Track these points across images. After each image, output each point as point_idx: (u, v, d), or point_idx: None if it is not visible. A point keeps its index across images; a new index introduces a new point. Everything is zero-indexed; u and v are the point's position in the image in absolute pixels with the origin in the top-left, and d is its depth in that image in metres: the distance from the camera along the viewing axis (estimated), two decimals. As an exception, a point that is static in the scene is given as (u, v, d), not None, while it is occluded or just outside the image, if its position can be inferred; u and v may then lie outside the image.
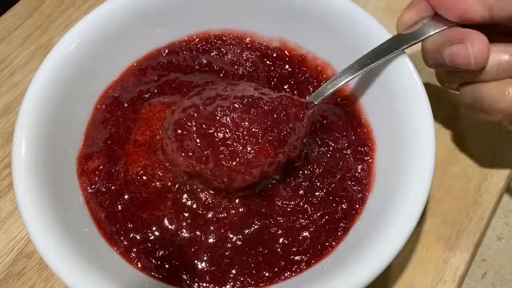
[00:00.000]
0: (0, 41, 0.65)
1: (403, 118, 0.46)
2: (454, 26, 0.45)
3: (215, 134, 0.44)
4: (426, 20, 0.46)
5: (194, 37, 0.56)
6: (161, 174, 0.48)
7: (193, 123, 0.44)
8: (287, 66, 0.55)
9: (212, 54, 0.55)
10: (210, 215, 0.46)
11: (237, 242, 0.45)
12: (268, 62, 0.55)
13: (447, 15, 0.44)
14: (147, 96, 0.52)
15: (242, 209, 0.46)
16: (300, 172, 0.48)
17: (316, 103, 0.48)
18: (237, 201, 0.47)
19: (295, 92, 0.54)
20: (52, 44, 0.49)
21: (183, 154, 0.44)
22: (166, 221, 0.46)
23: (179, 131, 0.44)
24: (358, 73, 0.47)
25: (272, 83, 0.54)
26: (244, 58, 0.55)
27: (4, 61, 0.64)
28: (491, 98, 0.44)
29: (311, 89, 0.54)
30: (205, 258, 0.45)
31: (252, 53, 0.55)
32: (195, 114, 0.44)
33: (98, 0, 0.69)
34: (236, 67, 0.54)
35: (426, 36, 0.46)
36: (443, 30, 0.45)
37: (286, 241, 0.45)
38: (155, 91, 0.53)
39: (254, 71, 0.54)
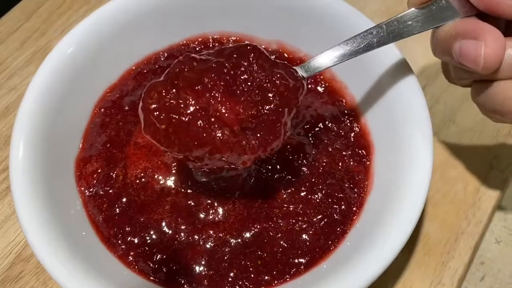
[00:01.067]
0: (-2, 44, 0.65)
1: (400, 121, 0.46)
2: (473, 16, 0.40)
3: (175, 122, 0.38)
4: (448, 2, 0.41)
5: (193, 41, 0.56)
6: (161, 177, 0.48)
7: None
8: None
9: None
10: (209, 219, 0.46)
11: (236, 246, 0.45)
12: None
13: (475, 1, 0.39)
14: None
15: (242, 213, 0.46)
16: (301, 173, 0.48)
17: (306, 76, 0.43)
18: (237, 205, 0.47)
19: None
20: (50, 47, 0.49)
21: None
22: (164, 225, 0.46)
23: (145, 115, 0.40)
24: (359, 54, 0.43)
25: None
26: None
27: (2, 64, 0.63)
28: (506, 99, 0.39)
29: (309, 86, 0.54)
30: (203, 262, 0.44)
31: None
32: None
33: (97, 4, 0.69)
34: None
35: (439, 25, 0.41)
36: (460, 19, 0.40)
37: (285, 244, 0.45)
38: None
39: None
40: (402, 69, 0.47)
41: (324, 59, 0.44)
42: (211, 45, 0.56)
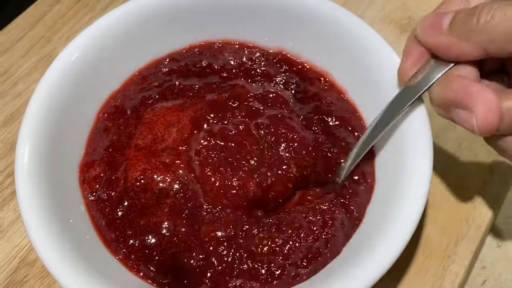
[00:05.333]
0: (4, 51, 0.66)
1: (400, 126, 0.46)
2: (463, 64, 0.41)
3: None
4: (427, 63, 0.43)
5: (196, 46, 0.57)
6: (159, 178, 0.48)
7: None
8: (286, 67, 0.56)
9: (213, 56, 0.56)
10: (209, 222, 0.46)
11: (238, 251, 0.45)
12: (269, 58, 0.56)
13: (445, 57, 0.42)
14: (149, 102, 0.53)
15: (245, 219, 0.46)
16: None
17: (340, 181, 0.48)
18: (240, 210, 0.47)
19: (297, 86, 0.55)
20: (55, 55, 0.50)
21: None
22: (163, 228, 0.46)
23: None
24: (378, 138, 0.46)
25: (275, 79, 0.55)
26: (245, 57, 0.56)
27: (8, 71, 0.64)
28: None
29: (316, 84, 0.55)
30: (204, 266, 0.45)
31: (254, 51, 0.57)
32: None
33: (101, 12, 0.70)
34: (237, 64, 0.56)
35: (431, 83, 0.43)
36: (447, 79, 0.41)
37: (290, 250, 0.45)
38: (157, 96, 0.53)
39: (254, 65, 0.55)
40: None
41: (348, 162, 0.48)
42: (213, 48, 0.57)
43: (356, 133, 0.52)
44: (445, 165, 0.56)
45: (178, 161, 0.48)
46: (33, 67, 0.65)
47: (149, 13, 0.53)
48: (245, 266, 0.45)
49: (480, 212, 0.53)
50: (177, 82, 0.54)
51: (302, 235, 0.46)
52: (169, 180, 0.48)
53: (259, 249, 0.45)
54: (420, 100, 0.46)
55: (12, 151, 0.58)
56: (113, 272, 0.44)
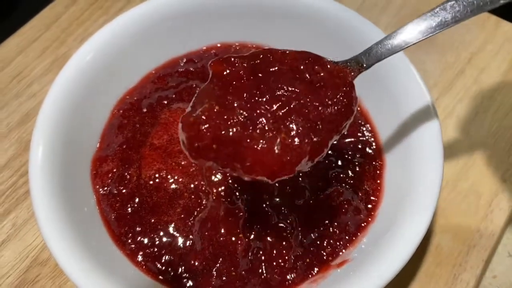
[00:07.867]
0: (19, 52, 0.67)
1: (412, 135, 0.46)
2: None
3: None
4: None
5: (212, 47, 0.58)
6: (174, 179, 0.48)
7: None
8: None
9: None
10: (220, 226, 0.46)
11: (245, 254, 0.45)
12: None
13: None
14: (166, 102, 0.54)
15: (255, 227, 0.46)
16: (318, 188, 0.49)
17: (367, 65, 0.40)
18: (249, 218, 0.47)
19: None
20: (69, 56, 0.50)
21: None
22: (174, 227, 0.46)
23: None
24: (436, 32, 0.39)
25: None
26: None
27: (23, 72, 0.65)
28: None
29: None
30: (210, 267, 0.45)
31: None
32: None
33: (115, 14, 0.70)
34: None
35: None
36: None
37: (297, 253, 0.46)
38: (174, 97, 0.54)
39: None
40: (415, 84, 0.48)
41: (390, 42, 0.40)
42: (230, 50, 0.57)
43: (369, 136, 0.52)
44: (457, 174, 0.56)
45: (195, 164, 0.48)
46: (47, 68, 0.65)
47: (165, 14, 0.54)
48: (250, 270, 0.45)
49: (491, 221, 0.53)
50: (194, 84, 0.55)
51: (310, 242, 0.46)
52: (184, 181, 0.48)
53: (265, 256, 0.46)
54: (433, 109, 0.46)
55: (26, 151, 0.58)
56: (119, 266, 0.44)
